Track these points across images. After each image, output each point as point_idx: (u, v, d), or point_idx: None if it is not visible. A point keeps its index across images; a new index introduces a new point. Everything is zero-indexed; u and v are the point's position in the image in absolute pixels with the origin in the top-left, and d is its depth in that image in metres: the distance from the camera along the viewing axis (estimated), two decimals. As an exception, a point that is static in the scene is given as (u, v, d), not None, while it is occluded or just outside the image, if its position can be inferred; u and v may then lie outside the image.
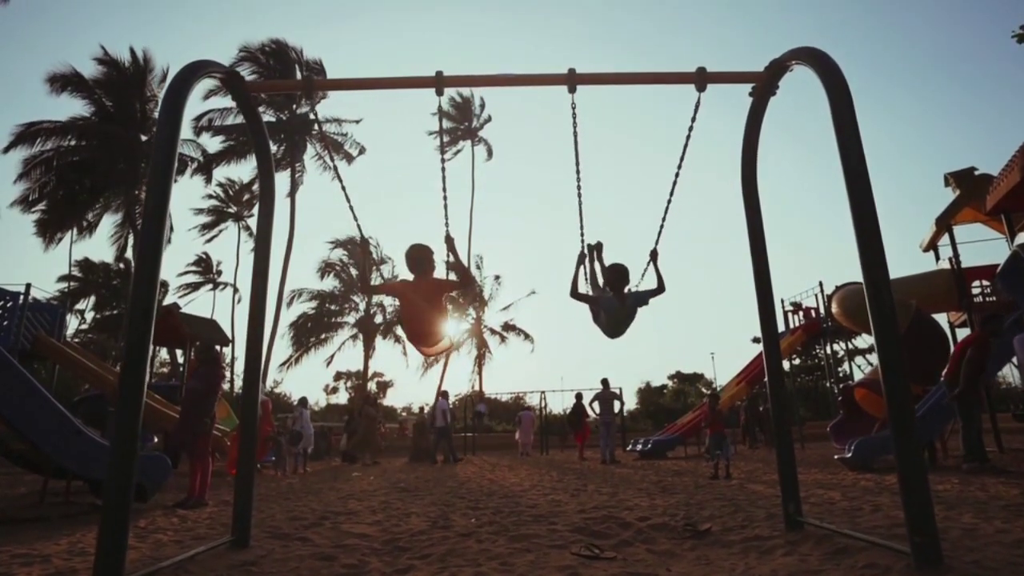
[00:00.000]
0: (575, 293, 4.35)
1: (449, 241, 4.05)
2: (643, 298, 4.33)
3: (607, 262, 4.55)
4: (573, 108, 3.58)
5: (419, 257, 4.10)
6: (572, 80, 3.39)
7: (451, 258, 4.09)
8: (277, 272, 26.66)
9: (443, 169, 4.01)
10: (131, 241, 26.68)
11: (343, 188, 4.04)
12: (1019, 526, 3.25)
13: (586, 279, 4.65)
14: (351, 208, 4.08)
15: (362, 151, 30.81)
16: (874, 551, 2.74)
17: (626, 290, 4.31)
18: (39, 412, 5.16)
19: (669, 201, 4.12)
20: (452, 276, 4.48)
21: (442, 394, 16.46)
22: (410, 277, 4.15)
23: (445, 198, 3.99)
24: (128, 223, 26.30)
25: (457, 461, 14.28)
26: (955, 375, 6.70)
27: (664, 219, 4.22)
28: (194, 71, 2.77)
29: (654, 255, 4.33)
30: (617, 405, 14.16)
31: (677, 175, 3.95)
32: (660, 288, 4.34)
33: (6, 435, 5.83)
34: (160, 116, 2.69)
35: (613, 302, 4.27)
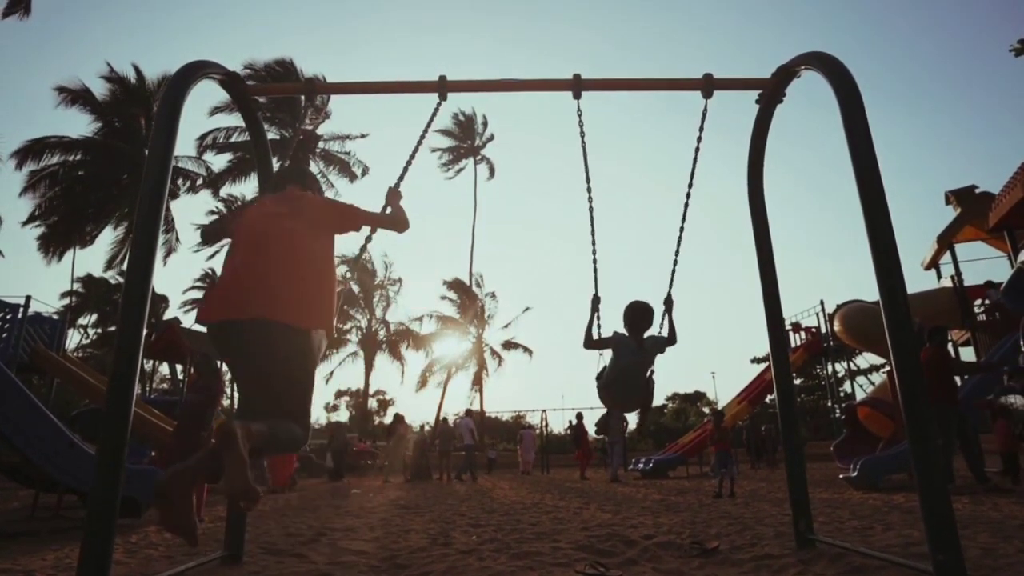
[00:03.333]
0: (590, 342, 3.85)
1: (393, 195, 3.12)
2: (660, 345, 3.85)
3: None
4: (579, 115, 3.51)
5: (300, 169, 2.97)
6: (578, 86, 3.34)
7: (388, 210, 3.05)
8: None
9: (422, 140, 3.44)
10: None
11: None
12: (1039, 545, 3.15)
13: (598, 332, 3.93)
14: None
15: (365, 171, 30.90)
16: (893, 570, 2.64)
17: (645, 336, 3.80)
18: (32, 424, 5.06)
19: (679, 243, 3.80)
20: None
21: (466, 413, 16.83)
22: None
23: (417, 146, 3.44)
24: (129, 238, 26.32)
25: (461, 479, 14.47)
26: (935, 397, 6.56)
27: (675, 264, 3.82)
28: (193, 70, 2.73)
29: (669, 303, 3.84)
30: (622, 425, 14.08)
31: (686, 205, 3.75)
32: (672, 338, 3.87)
33: (-2, 447, 5.72)
34: (157, 114, 2.64)
35: (630, 345, 3.77)
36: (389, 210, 3.03)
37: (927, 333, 7.05)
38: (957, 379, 6.97)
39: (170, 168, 2.58)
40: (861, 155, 2.64)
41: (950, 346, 12.03)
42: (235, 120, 26.34)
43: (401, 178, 3.29)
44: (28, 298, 11.58)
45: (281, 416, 2.28)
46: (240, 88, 3.23)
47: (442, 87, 3.33)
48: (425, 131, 3.42)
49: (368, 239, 3.38)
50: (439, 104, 3.37)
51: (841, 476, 8.41)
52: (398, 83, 3.40)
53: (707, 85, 3.38)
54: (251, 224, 2.49)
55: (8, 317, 11.24)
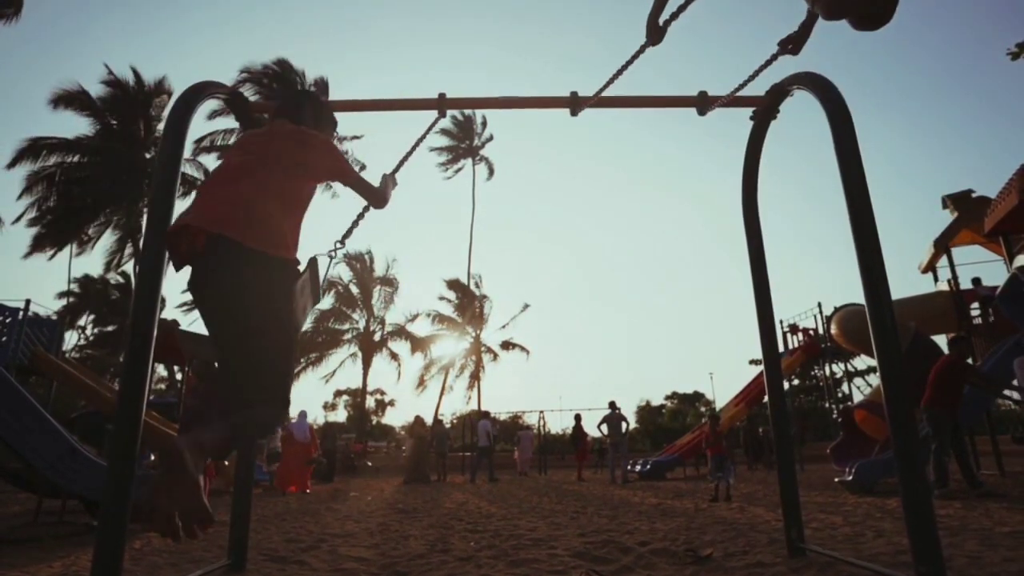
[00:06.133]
0: None
1: (386, 179, 3.02)
2: None
3: None
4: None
5: (298, 101, 2.70)
6: (575, 103, 3.40)
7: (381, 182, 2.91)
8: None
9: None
10: (128, 254, 26.89)
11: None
12: (1025, 554, 3.22)
13: None
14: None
15: (362, 168, 31.06)
16: (879, 580, 2.71)
17: None
18: (34, 429, 5.12)
19: None
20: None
21: (484, 414, 16.98)
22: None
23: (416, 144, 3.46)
24: (127, 238, 26.42)
25: (495, 480, 14.75)
26: (932, 402, 6.69)
27: None
28: (198, 92, 2.78)
29: None
30: (624, 426, 14.13)
31: None
32: None
33: (1, 453, 5.77)
34: (163, 136, 2.70)
35: None
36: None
37: (949, 343, 7.14)
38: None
39: (176, 188, 2.64)
40: (851, 176, 2.71)
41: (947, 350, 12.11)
42: (233, 123, 26.40)
43: (396, 170, 3.26)
44: (28, 301, 11.62)
45: (249, 384, 2.08)
46: (243, 106, 3.29)
47: (441, 104, 3.39)
48: (423, 137, 3.49)
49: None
50: (437, 119, 3.44)
51: (837, 480, 8.48)
52: (398, 100, 3.46)
53: (702, 102, 3.44)
54: (226, 158, 2.41)
55: (8, 321, 11.28)
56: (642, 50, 3.05)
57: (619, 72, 3.15)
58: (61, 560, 3.86)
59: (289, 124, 2.51)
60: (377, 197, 2.79)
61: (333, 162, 2.52)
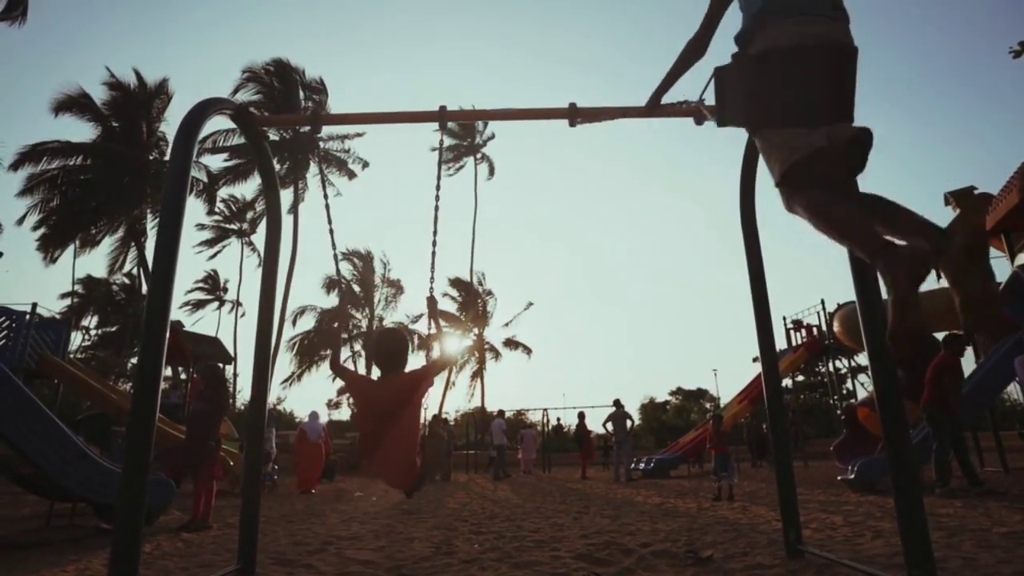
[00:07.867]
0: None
1: (431, 304, 3.39)
2: None
3: None
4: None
5: (393, 351, 3.23)
6: (573, 114, 3.45)
7: (431, 327, 3.37)
8: (280, 289, 26.75)
9: (436, 208, 3.52)
10: (130, 257, 27.05)
11: (331, 232, 3.79)
12: (1020, 556, 3.26)
13: None
14: (335, 251, 3.78)
15: (365, 165, 31.18)
16: (874, 582, 2.76)
17: None
18: (44, 435, 5.18)
19: None
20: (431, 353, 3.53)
21: (499, 413, 17.21)
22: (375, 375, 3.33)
23: (435, 246, 3.49)
24: (130, 239, 26.56)
25: (504, 477, 15.06)
26: (932, 401, 6.75)
27: None
28: (205, 108, 2.84)
29: None
30: (629, 424, 14.15)
31: None
32: None
33: (12, 459, 5.85)
34: (172, 152, 2.76)
35: None
36: (433, 327, 3.41)
37: (944, 342, 7.19)
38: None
39: (184, 204, 2.69)
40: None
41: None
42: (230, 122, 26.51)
43: (432, 279, 3.48)
44: (34, 305, 11.71)
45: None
46: (249, 121, 3.35)
47: (442, 116, 3.45)
48: (439, 178, 3.57)
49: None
50: (441, 139, 3.51)
51: (839, 477, 8.53)
52: (399, 113, 3.52)
53: (699, 113, 3.48)
54: (370, 414, 3.19)
55: (14, 325, 11.37)
56: (637, 113, 3.40)
57: (613, 115, 3.42)
58: (74, 564, 3.93)
59: (399, 382, 3.18)
60: (448, 364, 3.40)
61: (434, 375, 3.28)
